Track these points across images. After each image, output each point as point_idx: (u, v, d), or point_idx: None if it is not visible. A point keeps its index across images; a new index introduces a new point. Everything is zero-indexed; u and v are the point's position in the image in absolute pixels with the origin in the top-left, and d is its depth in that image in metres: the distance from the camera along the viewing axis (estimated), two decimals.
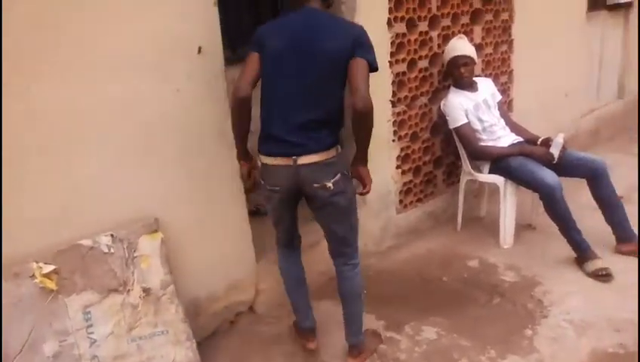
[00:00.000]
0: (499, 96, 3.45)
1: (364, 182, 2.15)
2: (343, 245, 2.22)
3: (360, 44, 1.95)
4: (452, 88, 3.34)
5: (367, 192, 2.18)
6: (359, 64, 1.91)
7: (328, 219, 2.14)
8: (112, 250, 2.01)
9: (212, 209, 2.44)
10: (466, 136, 3.24)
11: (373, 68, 1.96)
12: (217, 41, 2.33)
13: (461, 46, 3.24)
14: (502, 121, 3.35)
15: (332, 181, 2.00)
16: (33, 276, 1.91)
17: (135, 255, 2.05)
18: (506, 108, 3.53)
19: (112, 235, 2.01)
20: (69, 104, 1.93)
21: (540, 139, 3.23)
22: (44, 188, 1.93)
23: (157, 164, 2.20)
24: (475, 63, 3.28)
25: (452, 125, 3.27)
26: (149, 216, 2.15)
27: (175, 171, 2.27)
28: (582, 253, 2.96)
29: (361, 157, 2.10)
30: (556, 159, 3.03)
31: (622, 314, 2.53)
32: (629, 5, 5.31)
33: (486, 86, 3.40)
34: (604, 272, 2.84)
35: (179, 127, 2.24)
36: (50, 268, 1.92)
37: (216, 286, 2.53)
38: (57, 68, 1.89)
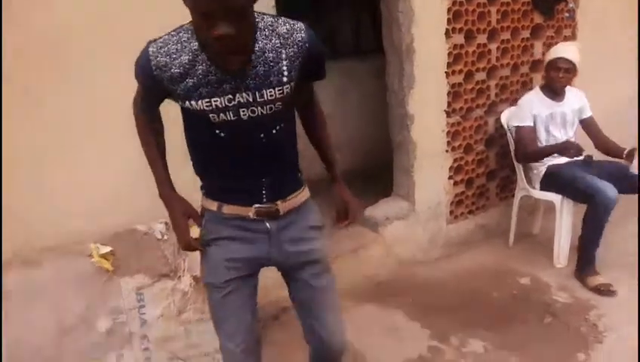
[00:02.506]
0: (588, 113, 3.29)
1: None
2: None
3: None
4: (536, 88, 3.23)
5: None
6: None
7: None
8: (165, 237, 2.09)
9: None
10: (522, 138, 3.15)
11: None
12: None
13: (568, 50, 3.10)
14: (570, 138, 3.22)
15: None
16: (91, 256, 2.01)
17: None
18: (595, 126, 3.29)
19: (165, 223, 2.09)
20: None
21: (626, 151, 3.06)
22: (104, 174, 2.03)
23: None
24: (575, 74, 3.13)
25: (514, 122, 3.19)
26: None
27: None
28: (589, 268, 2.97)
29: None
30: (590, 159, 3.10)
31: None
32: None
33: (576, 100, 3.26)
34: (608, 288, 2.86)
35: None
36: (107, 249, 2.02)
37: (264, 280, 2.55)
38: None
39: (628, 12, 4.08)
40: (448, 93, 3.13)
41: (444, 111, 3.13)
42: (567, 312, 2.74)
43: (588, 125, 3.29)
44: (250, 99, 1.35)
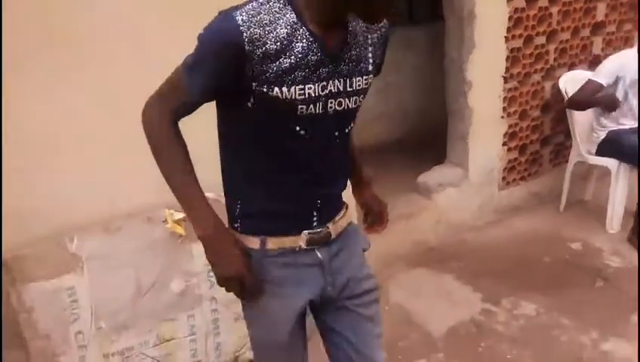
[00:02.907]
0: None
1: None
2: None
3: None
4: (636, 48, 3.09)
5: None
6: None
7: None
8: None
9: None
10: (585, 90, 3.09)
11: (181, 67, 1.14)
12: None
13: None
14: None
15: None
16: (165, 221, 2.13)
17: None
18: None
19: None
20: None
21: None
22: None
23: None
24: None
25: (592, 75, 3.13)
26: None
27: None
28: None
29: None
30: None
31: None
32: None
33: None
34: None
35: None
36: (180, 215, 2.13)
37: None
38: None
39: None
40: (507, 58, 3.10)
41: (502, 76, 3.12)
42: (620, 276, 2.79)
43: None
44: (341, 88, 1.13)
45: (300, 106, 1.10)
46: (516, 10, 3.03)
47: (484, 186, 3.27)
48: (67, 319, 1.92)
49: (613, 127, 3.14)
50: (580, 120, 3.29)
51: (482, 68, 3.02)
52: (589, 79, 3.11)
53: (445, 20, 3.10)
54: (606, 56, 3.52)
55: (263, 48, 1.04)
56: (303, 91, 1.09)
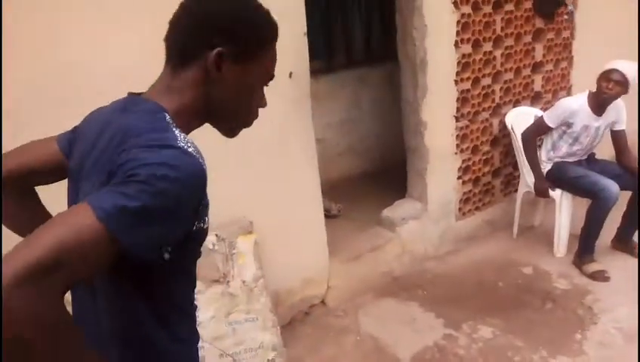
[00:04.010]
0: (620, 127, 3.35)
1: None
2: None
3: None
4: (585, 94, 3.26)
5: None
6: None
7: None
8: (215, 247, 2.37)
9: (293, 213, 2.77)
10: (535, 129, 3.35)
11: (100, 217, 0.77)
12: (305, 66, 2.65)
13: (625, 65, 3.07)
14: (593, 147, 3.39)
15: None
16: None
17: (234, 252, 2.40)
18: (623, 140, 3.37)
19: (216, 235, 2.37)
20: None
21: None
22: None
23: (251, 175, 2.54)
24: (625, 91, 3.12)
25: (545, 114, 3.36)
26: (245, 219, 2.50)
27: (265, 181, 2.61)
28: (587, 257, 3.27)
29: None
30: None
31: None
32: None
33: (613, 113, 3.29)
34: (603, 274, 3.18)
35: (271, 141, 2.58)
36: None
37: (295, 281, 2.87)
38: None
39: (626, 12, 4.28)
40: (457, 99, 3.38)
41: (454, 116, 3.39)
42: (566, 297, 3.05)
43: (616, 138, 3.38)
44: None
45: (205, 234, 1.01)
46: (464, 55, 3.32)
47: (442, 218, 3.52)
48: None
49: (558, 158, 3.42)
50: None
51: (436, 109, 3.29)
52: (542, 117, 3.36)
53: (400, 64, 3.36)
54: (546, 92, 3.88)
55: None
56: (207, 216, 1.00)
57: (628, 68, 3.06)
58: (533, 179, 3.42)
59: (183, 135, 0.91)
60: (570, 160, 3.41)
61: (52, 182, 1.15)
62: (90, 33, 2.04)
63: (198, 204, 0.90)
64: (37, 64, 1.94)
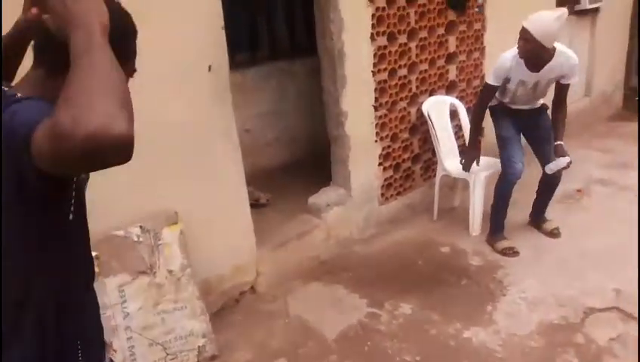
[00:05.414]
0: (567, 81, 3.26)
1: None
2: None
3: None
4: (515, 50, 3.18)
5: None
6: None
7: None
8: (140, 239, 2.40)
9: (219, 203, 2.83)
10: (485, 96, 3.41)
11: None
12: (224, 59, 2.71)
13: (530, 20, 3.02)
14: (537, 96, 3.40)
15: None
16: None
17: (159, 243, 2.45)
18: (562, 93, 3.34)
19: (140, 227, 2.40)
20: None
21: (557, 143, 3.29)
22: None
23: (175, 166, 2.59)
24: (536, 43, 2.99)
25: (487, 79, 3.37)
26: (170, 209, 2.54)
27: (189, 172, 2.66)
28: (497, 234, 3.53)
29: None
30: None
31: (566, 291, 3.00)
32: (595, 10, 5.75)
33: (559, 69, 3.19)
34: (512, 250, 3.45)
35: (193, 132, 2.63)
36: (93, 254, 2.31)
37: (224, 269, 2.94)
38: None
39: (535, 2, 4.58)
40: (375, 90, 3.54)
41: (373, 105, 3.55)
42: (480, 273, 3.29)
43: (558, 89, 3.35)
44: None
45: None
46: (379, 47, 3.48)
47: (366, 203, 3.68)
48: None
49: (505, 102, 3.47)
50: (443, 139, 3.81)
51: (355, 99, 3.43)
52: (488, 84, 3.34)
53: (320, 56, 3.48)
54: (461, 81, 4.11)
55: None
56: None
57: (532, 24, 2.99)
58: (467, 144, 3.56)
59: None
60: (514, 107, 3.44)
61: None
62: None
63: None
64: None
